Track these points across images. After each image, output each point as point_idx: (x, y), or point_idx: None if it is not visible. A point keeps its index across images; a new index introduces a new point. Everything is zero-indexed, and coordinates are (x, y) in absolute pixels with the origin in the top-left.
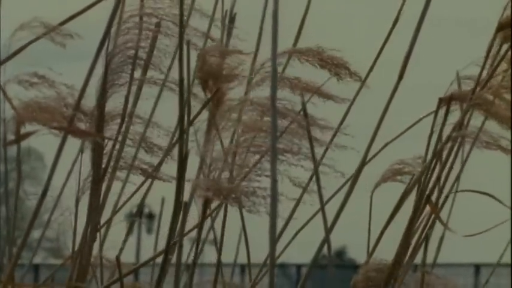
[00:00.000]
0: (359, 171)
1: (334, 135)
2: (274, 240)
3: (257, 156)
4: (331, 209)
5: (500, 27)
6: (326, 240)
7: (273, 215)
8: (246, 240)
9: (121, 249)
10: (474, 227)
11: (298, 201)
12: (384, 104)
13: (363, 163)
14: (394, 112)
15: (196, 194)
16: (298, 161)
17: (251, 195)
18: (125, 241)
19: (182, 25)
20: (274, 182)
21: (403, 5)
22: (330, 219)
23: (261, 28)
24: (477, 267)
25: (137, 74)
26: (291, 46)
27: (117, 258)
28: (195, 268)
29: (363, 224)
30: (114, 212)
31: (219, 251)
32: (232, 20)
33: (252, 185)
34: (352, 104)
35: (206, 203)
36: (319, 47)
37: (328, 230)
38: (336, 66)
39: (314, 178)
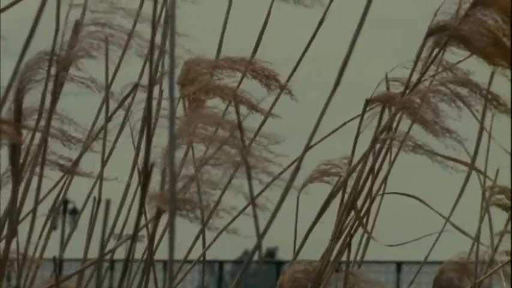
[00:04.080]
0: (293, 176)
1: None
2: (172, 238)
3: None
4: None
5: (430, 33)
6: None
7: (173, 213)
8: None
9: (44, 246)
10: (397, 225)
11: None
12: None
13: (298, 167)
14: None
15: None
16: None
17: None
18: (47, 237)
19: (155, 29)
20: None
21: (327, 9)
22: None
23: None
24: (399, 265)
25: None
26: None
27: (41, 254)
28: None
29: (292, 224)
30: (34, 207)
31: (150, 248)
32: (168, 23)
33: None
34: (270, 109)
35: (158, 214)
36: (251, 57)
37: (260, 236)
38: (267, 78)
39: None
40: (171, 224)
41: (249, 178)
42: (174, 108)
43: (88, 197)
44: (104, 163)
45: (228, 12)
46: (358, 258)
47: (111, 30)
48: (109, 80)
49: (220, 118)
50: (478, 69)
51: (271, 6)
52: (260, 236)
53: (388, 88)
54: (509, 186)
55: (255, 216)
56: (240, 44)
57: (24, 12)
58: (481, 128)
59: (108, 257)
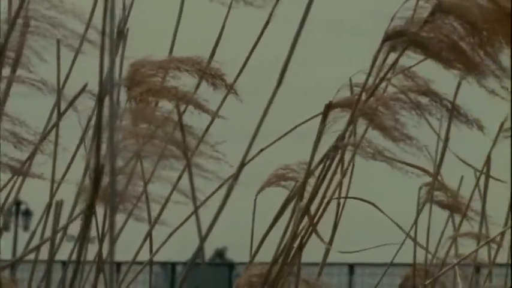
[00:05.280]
0: (237, 176)
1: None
2: (113, 239)
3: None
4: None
5: (387, 38)
6: (201, 244)
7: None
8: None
9: None
10: (351, 228)
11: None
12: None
13: (241, 167)
14: (284, 114)
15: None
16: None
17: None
18: None
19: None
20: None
21: (274, 9)
22: (209, 220)
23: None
24: (351, 267)
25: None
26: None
27: None
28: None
29: (244, 225)
30: None
31: (111, 250)
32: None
33: (137, 190)
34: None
35: (91, 206)
36: (198, 57)
37: (203, 238)
38: (213, 77)
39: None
40: (111, 221)
41: (191, 177)
42: (115, 108)
43: (42, 198)
44: (55, 164)
45: (179, 14)
46: (311, 261)
47: (60, 31)
48: (60, 82)
49: (164, 118)
50: (433, 74)
51: (229, 9)
52: (202, 239)
53: (352, 93)
54: (448, 184)
55: (197, 218)
56: (191, 45)
57: None
58: (446, 138)
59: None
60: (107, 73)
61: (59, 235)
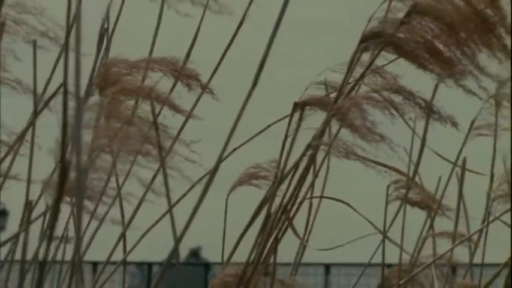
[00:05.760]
0: (212, 176)
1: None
2: (79, 239)
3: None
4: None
5: (365, 38)
6: (176, 245)
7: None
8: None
9: None
10: (326, 228)
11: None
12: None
13: (216, 167)
14: (258, 113)
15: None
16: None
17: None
18: None
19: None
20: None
21: (247, 9)
22: (183, 220)
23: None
24: (327, 267)
25: None
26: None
27: None
28: (45, 265)
29: (218, 224)
30: None
31: (77, 249)
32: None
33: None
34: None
35: (57, 202)
36: (173, 57)
37: (178, 239)
38: (188, 78)
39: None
40: (78, 218)
41: (166, 177)
42: (81, 106)
43: (19, 198)
44: (31, 164)
45: (160, 16)
46: (286, 261)
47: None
48: (36, 82)
49: (138, 117)
50: (406, 72)
51: (204, 10)
52: (177, 240)
53: (326, 91)
54: (417, 181)
55: (172, 219)
56: (167, 47)
57: None
58: (424, 137)
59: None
60: (73, 71)
61: (31, 234)
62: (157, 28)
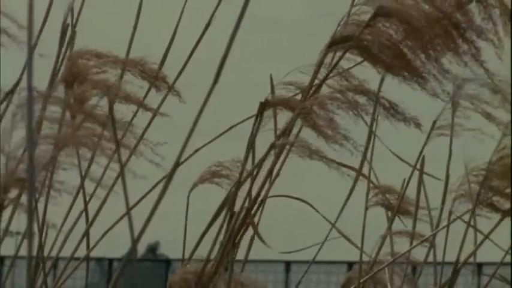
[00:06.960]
0: (171, 175)
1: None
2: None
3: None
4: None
5: (334, 42)
6: (134, 246)
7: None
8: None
9: None
10: (287, 226)
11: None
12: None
13: (176, 165)
14: (224, 113)
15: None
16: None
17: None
18: None
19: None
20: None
21: (216, 9)
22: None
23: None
24: (287, 264)
25: None
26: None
27: None
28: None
29: (178, 221)
30: None
31: (40, 245)
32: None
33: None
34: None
35: (4, 193)
36: (141, 58)
37: (135, 240)
38: (156, 79)
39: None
40: (29, 211)
41: (123, 176)
42: (32, 100)
43: None
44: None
45: (138, 14)
46: (246, 258)
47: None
48: None
49: (100, 114)
50: (369, 74)
51: (183, 11)
52: (135, 240)
53: (297, 90)
54: (395, 187)
55: (130, 220)
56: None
57: None
58: (372, 134)
59: None
60: (25, 65)
61: None
62: (134, 30)
